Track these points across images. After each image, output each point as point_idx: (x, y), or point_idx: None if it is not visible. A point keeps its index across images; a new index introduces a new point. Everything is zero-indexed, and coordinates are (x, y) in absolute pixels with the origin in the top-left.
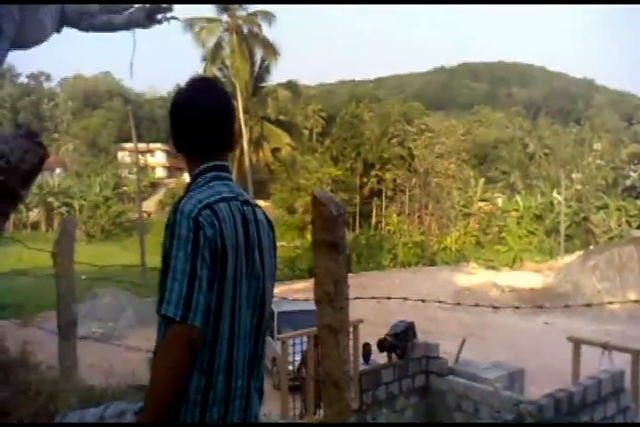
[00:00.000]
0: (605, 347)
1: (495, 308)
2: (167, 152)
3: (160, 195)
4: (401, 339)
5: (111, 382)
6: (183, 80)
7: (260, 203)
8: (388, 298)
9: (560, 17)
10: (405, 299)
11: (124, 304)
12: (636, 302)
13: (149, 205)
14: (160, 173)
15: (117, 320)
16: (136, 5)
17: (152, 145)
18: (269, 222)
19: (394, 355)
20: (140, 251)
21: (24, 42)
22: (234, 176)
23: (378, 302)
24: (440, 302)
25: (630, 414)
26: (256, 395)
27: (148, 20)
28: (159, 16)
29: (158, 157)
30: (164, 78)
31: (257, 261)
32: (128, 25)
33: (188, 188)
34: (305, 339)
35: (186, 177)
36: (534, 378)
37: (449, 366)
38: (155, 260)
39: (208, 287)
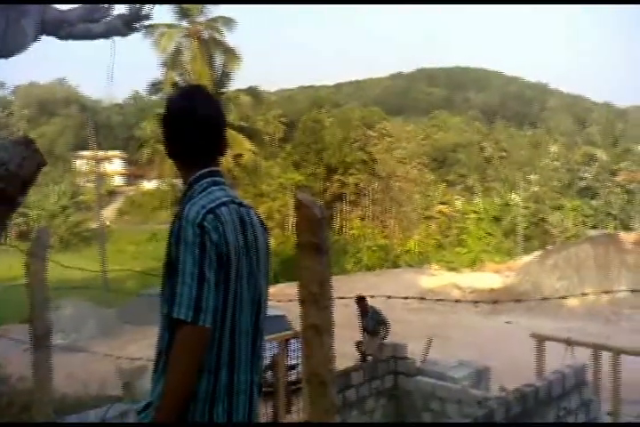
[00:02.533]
0: (568, 343)
1: (476, 302)
2: (125, 160)
3: (119, 203)
4: (376, 320)
5: (82, 391)
6: (141, 87)
7: None
8: (372, 297)
9: (514, 22)
10: (389, 297)
11: (85, 315)
12: (606, 291)
13: (108, 213)
14: (118, 181)
15: (80, 331)
16: (114, 14)
17: (110, 153)
18: (263, 224)
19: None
20: (100, 260)
21: (7, 51)
22: None
23: (345, 305)
24: (422, 298)
25: (593, 406)
26: (257, 389)
27: (127, 29)
28: (137, 24)
29: (116, 165)
30: (121, 85)
31: (254, 261)
32: (107, 33)
33: (185, 194)
34: (275, 344)
35: (145, 185)
36: (499, 375)
37: (417, 367)
38: (112, 270)
39: (215, 289)
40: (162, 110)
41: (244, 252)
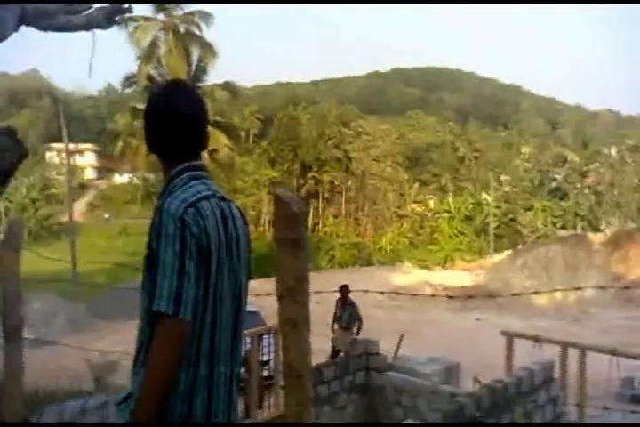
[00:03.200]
0: (537, 340)
1: (450, 297)
2: (97, 153)
3: (90, 196)
4: (351, 315)
5: (53, 387)
6: (114, 79)
7: None
8: (349, 291)
9: (486, 23)
10: (366, 291)
11: (55, 309)
12: (576, 288)
13: (79, 207)
14: (89, 174)
15: (49, 326)
16: (95, 6)
17: (81, 145)
18: (243, 217)
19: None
20: (70, 254)
21: None
22: None
23: (317, 302)
24: (398, 293)
25: (559, 402)
26: (236, 381)
27: (108, 21)
28: (118, 17)
29: (88, 158)
30: (95, 77)
31: (235, 254)
32: (87, 26)
33: (166, 188)
34: (247, 339)
35: (117, 178)
36: (469, 371)
37: (388, 362)
38: (86, 263)
39: (195, 282)
40: (135, 104)
41: (225, 245)
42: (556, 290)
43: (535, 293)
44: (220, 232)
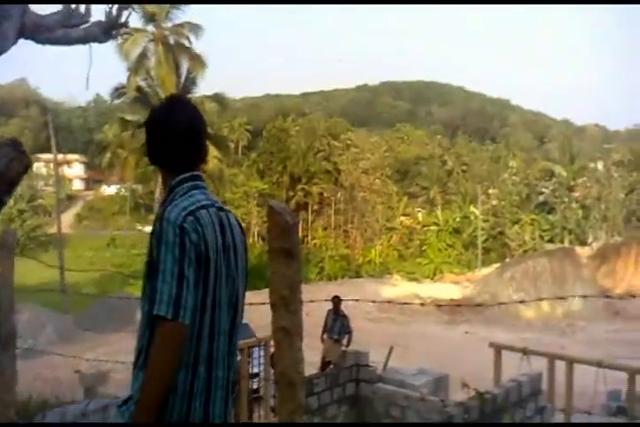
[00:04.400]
0: (525, 352)
1: (440, 306)
2: (85, 164)
3: (78, 208)
4: (342, 326)
5: (42, 397)
6: (103, 90)
7: None
8: (340, 300)
9: (476, 38)
10: (357, 300)
11: (43, 321)
12: (560, 297)
13: (67, 218)
14: (77, 185)
15: (37, 337)
16: (92, 20)
17: (69, 156)
18: (241, 227)
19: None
20: (58, 266)
21: None
22: (157, 190)
23: (306, 314)
24: (389, 302)
25: (547, 413)
26: (232, 386)
27: (105, 35)
28: (114, 31)
29: (75, 169)
30: (83, 88)
31: (232, 262)
32: (85, 39)
33: (167, 197)
34: (238, 352)
35: (104, 189)
36: (458, 383)
37: (378, 374)
38: (74, 275)
39: (194, 287)
40: (124, 115)
41: (223, 253)
42: (542, 299)
43: (522, 301)
44: (218, 240)
